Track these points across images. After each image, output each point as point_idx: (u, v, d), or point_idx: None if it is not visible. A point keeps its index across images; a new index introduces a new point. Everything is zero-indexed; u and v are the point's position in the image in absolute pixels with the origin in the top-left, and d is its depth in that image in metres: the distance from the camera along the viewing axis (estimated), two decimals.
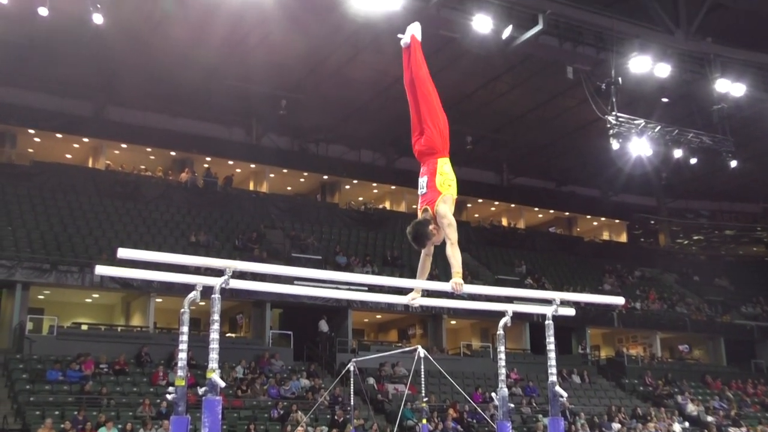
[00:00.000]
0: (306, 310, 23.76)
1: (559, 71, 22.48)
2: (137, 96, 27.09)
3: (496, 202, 35.61)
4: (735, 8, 23.45)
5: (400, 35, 6.50)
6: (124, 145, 27.92)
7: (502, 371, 6.91)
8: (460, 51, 22.44)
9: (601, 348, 31.87)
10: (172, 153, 28.96)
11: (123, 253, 5.01)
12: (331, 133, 31.11)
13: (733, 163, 24.12)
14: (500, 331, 6.99)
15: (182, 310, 5.53)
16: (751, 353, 31.84)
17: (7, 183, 23.61)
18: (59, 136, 26.75)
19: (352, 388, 15.47)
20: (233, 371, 20.04)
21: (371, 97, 26.94)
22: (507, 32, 19.75)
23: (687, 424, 23.84)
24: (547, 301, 6.71)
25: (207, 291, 5.34)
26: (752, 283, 35.61)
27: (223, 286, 5.22)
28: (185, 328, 5.50)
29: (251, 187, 30.63)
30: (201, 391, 5.11)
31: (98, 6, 18.39)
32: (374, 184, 32.79)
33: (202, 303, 5.53)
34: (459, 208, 27.64)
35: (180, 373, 5.42)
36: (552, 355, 6.58)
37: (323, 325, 23.61)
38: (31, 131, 26.40)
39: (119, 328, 22.93)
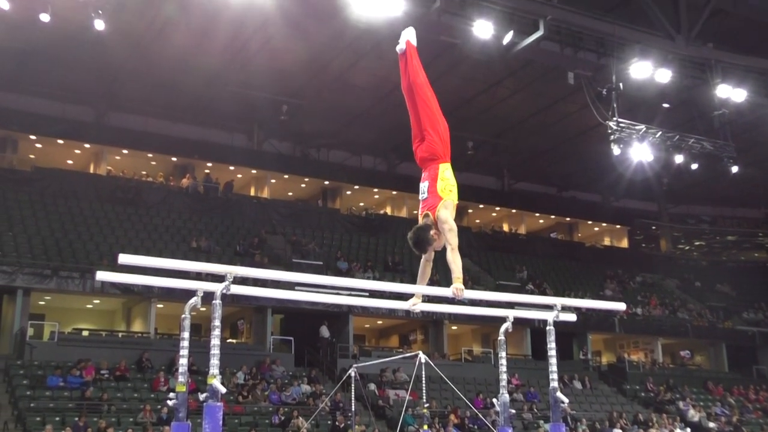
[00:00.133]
0: (307, 316, 23.75)
1: (560, 77, 22.48)
2: (138, 102, 27.14)
3: (497, 208, 35.59)
4: (736, 14, 23.47)
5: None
6: (125, 151, 27.94)
7: (504, 377, 6.91)
8: (460, 56, 22.47)
9: (603, 354, 31.82)
10: (174, 159, 28.97)
11: (124, 258, 5.01)
12: (332, 138, 31.13)
13: (735, 169, 24.09)
14: (501, 337, 6.98)
15: (183, 315, 5.53)
16: (753, 359, 31.80)
17: (8, 188, 23.62)
18: (60, 141, 26.78)
19: (353, 393, 15.44)
20: (234, 377, 20.02)
21: (372, 103, 26.96)
22: (508, 38, 19.74)
23: (689, 430, 23.76)
24: (548, 307, 6.71)
25: (208, 297, 5.34)
26: (754, 289, 35.53)
27: (224, 291, 5.22)
28: (186, 334, 5.50)
29: (252, 192, 30.64)
30: (202, 396, 5.11)
31: (100, 12, 18.43)
32: (375, 190, 32.81)
33: (203, 309, 5.53)
34: (460, 214, 27.67)
35: (181, 378, 5.41)
36: (553, 360, 6.57)
37: (324, 331, 23.58)
38: (33, 137, 26.42)
39: (120, 334, 22.89)
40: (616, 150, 21.89)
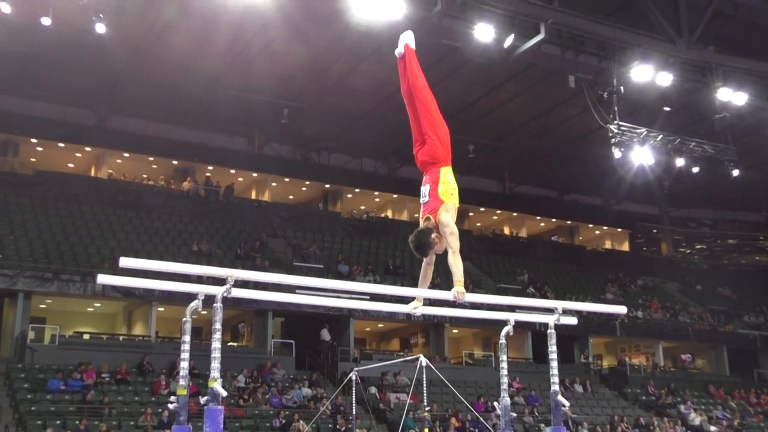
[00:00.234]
0: (308, 319, 23.75)
1: (561, 80, 22.51)
2: (139, 105, 27.16)
3: (498, 211, 35.61)
4: (737, 17, 23.47)
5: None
6: (126, 154, 27.96)
7: (505, 380, 6.90)
8: (462, 60, 22.50)
9: (604, 357, 31.80)
10: (174, 162, 29.00)
11: (125, 262, 5.01)
12: (333, 142, 31.15)
13: (736, 172, 24.09)
14: (502, 340, 6.98)
15: (184, 319, 5.53)
16: (754, 363, 31.76)
17: (9, 192, 23.62)
18: (62, 145, 26.80)
19: (354, 397, 15.45)
20: (235, 380, 20.00)
21: (373, 107, 26.99)
22: (509, 41, 19.75)
23: None
24: (550, 310, 6.71)
25: (209, 300, 5.35)
26: (755, 293, 35.53)
27: (225, 294, 5.23)
28: (187, 337, 5.51)
29: (253, 196, 30.66)
30: (203, 400, 5.11)
31: (101, 16, 18.44)
32: (376, 193, 32.82)
33: (204, 312, 5.53)
34: (461, 217, 27.69)
35: (182, 382, 5.41)
36: (554, 364, 6.57)
37: (325, 334, 23.58)
38: (34, 140, 26.45)
39: (121, 337, 22.90)
40: (617, 153, 21.89)
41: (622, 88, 21.11)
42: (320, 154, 31.93)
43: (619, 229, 38.20)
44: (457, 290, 5.66)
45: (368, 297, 17.45)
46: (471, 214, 34.59)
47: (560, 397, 6.39)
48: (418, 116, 6.26)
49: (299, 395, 20.27)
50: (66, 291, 20.62)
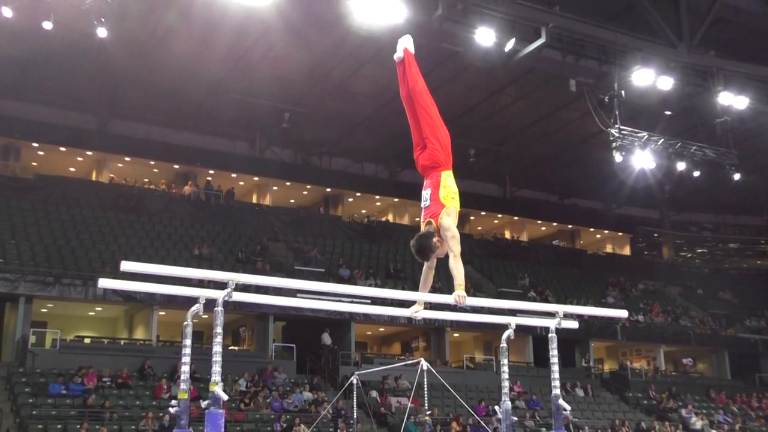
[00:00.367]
0: (309, 323, 23.74)
1: (562, 84, 22.53)
2: (141, 109, 27.21)
3: (499, 215, 35.59)
4: (737, 22, 23.53)
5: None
6: (127, 159, 27.98)
7: (506, 384, 6.90)
8: (463, 64, 22.52)
9: (605, 361, 31.76)
10: (176, 166, 29.00)
11: (126, 266, 5.02)
12: (334, 146, 31.19)
13: (737, 176, 24.09)
14: (503, 344, 6.97)
15: (185, 323, 5.53)
16: (756, 367, 31.73)
17: (10, 196, 23.64)
18: (63, 149, 26.82)
19: (355, 401, 15.43)
20: (236, 384, 19.99)
21: (374, 111, 27.01)
22: (510, 45, 19.77)
23: None
24: (551, 314, 6.71)
25: (210, 304, 5.35)
26: (756, 297, 35.51)
27: (226, 298, 5.23)
28: (188, 341, 5.51)
29: (254, 199, 30.67)
30: (204, 404, 5.11)
31: (102, 20, 18.42)
32: (377, 197, 32.84)
33: (205, 316, 5.53)
34: (462, 221, 27.70)
35: (183, 386, 5.42)
36: (555, 368, 6.55)
37: (326, 338, 23.57)
38: (35, 144, 26.47)
39: (122, 341, 22.89)
40: (618, 157, 21.90)
41: (623, 92, 21.14)
42: (321, 158, 31.98)
43: (620, 233, 38.18)
44: (458, 294, 5.65)
45: (369, 301, 17.46)
46: (472, 218, 34.60)
47: (561, 401, 6.38)
48: (418, 121, 6.25)
49: (300, 399, 20.25)
50: (67, 295, 20.62)
